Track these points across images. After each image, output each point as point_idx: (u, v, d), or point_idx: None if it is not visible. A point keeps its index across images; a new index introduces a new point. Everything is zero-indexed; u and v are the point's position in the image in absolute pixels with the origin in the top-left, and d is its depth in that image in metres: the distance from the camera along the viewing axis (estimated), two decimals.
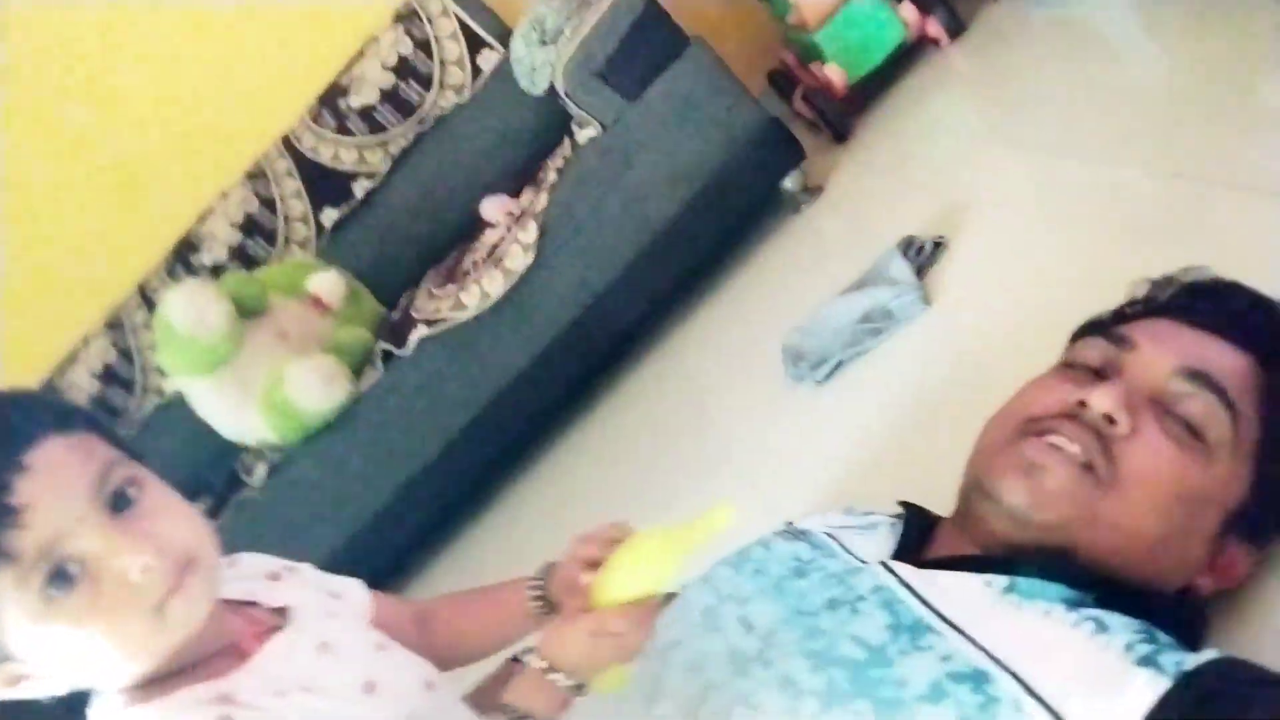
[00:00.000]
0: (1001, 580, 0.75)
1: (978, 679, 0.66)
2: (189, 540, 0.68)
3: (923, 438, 1.34)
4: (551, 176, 2.32)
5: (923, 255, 1.71)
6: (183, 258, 2.75)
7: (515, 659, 0.92)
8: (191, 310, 2.25)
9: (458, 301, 2.24)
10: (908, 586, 0.78)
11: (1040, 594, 0.73)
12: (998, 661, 0.67)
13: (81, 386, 2.78)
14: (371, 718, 0.73)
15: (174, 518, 0.69)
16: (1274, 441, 0.81)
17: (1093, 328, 0.94)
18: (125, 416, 2.76)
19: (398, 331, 2.36)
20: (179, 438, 2.55)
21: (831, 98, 2.33)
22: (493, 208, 2.45)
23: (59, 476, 0.63)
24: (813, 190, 2.28)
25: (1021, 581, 0.75)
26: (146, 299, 2.77)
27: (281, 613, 0.77)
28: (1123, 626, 0.69)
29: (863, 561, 0.86)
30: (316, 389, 2.27)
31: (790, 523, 1.01)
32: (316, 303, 2.50)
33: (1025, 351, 1.00)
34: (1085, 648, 0.67)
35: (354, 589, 0.87)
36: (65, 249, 2.80)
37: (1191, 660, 0.65)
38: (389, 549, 2.38)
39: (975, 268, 1.61)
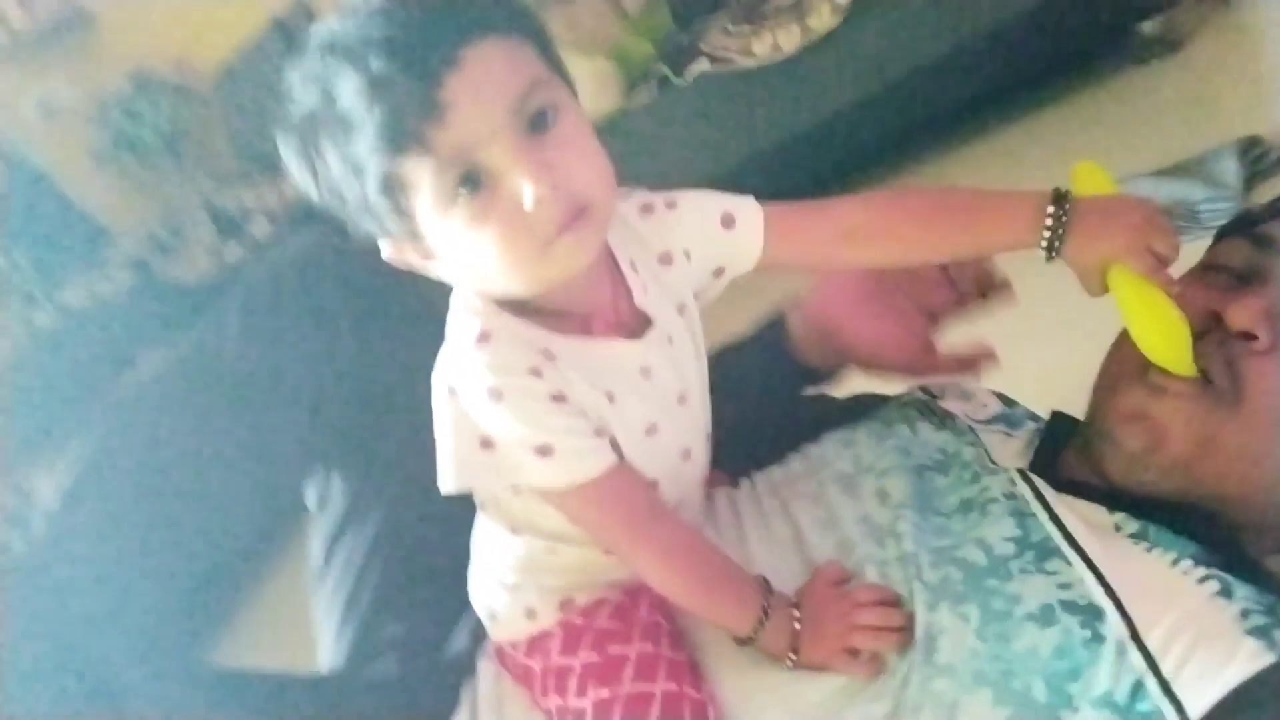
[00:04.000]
0: (1133, 524, 0.74)
1: (1090, 614, 0.67)
2: (591, 183, 0.65)
3: None
4: None
5: (1263, 163, 1.51)
6: None
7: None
8: None
9: (747, 46, 2.16)
10: (1042, 501, 0.76)
11: (1171, 545, 0.72)
12: (1115, 600, 0.67)
13: None
14: (638, 457, 0.75)
15: (583, 155, 0.66)
16: None
17: (1238, 225, 0.83)
18: None
19: (681, 57, 2.31)
20: None
21: None
22: None
23: (487, 81, 0.62)
24: (1171, 43, 2.00)
25: (1153, 530, 0.73)
26: None
27: (640, 316, 0.75)
28: (1246, 593, 0.67)
29: (998, 465, 0.83)
30: (590, 93, 2.29)
31: (931, 394, 0.96)
32: (614, 2, 2.46)
33: None
34: (1203, 606, 0.67)
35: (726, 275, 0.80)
36: None
37: None
38: None
39: None
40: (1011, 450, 0.88)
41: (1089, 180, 0.75)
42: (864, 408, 0.99)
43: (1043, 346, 1.44)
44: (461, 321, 0.71)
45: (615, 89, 2.32)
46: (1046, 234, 0.70)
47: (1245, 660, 0.62)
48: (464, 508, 0.82)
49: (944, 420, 0.91)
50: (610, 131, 2.30)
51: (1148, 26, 1.98)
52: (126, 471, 1.13)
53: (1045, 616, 0.68)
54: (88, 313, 2.41)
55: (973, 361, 0.98)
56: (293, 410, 1.10)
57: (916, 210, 0.78)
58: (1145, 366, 0.76)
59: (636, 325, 0.75)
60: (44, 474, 1.90)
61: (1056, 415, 0.91)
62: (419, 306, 0.77)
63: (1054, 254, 0.71)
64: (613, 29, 2.44)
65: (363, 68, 0.60)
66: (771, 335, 0.99)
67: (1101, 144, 1.86)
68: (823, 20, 2.08)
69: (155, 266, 2.63)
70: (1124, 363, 0.80)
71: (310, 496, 1.16)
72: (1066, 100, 2.07)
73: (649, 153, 2.29)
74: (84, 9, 2.82)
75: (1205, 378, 0.73)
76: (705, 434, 0.82)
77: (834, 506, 0.84)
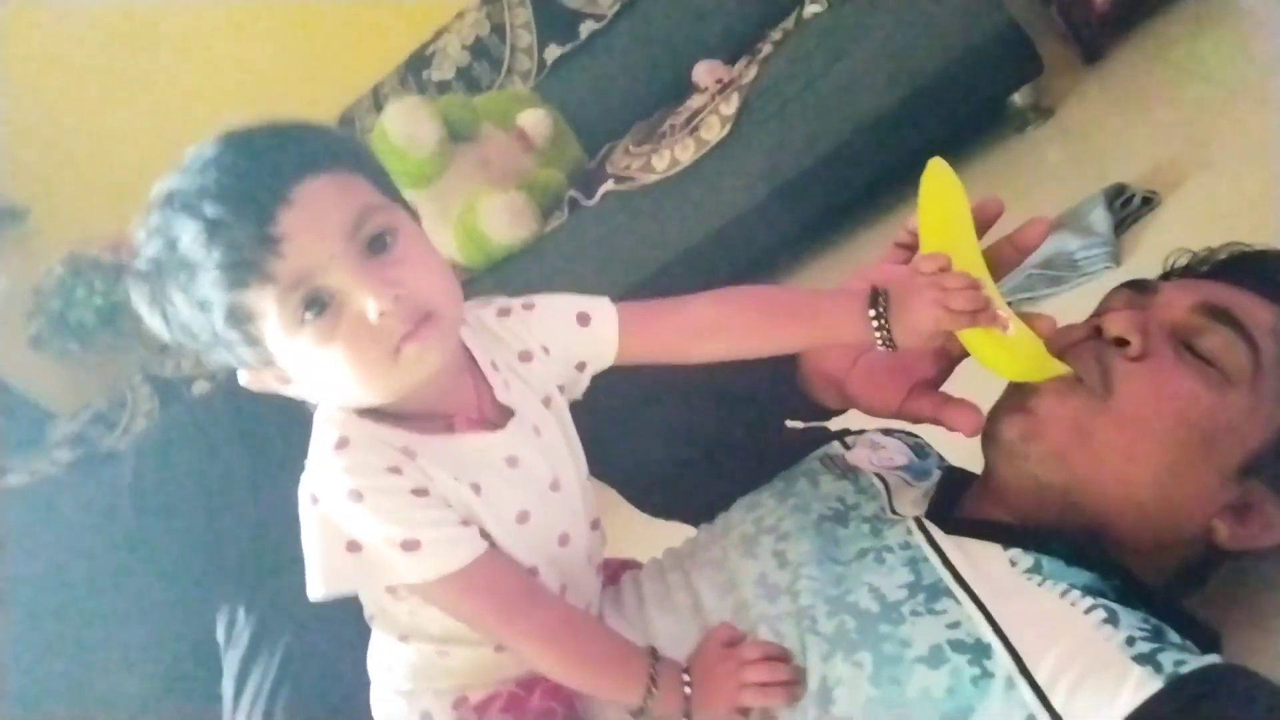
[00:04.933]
0: (1027, 560, 0.75)
1: (978, 651, 0.68)
2: (432, 293, 0.69)
3: None
4: (767, 49, 2.25)
5: (1129, 208, 1.57)
6: (415, 70, 2.87)
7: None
8: (406, 126, 2.37)
9: (648, 163, 2.25)
10: (936, 547, 0.78)
11: (1062, 577, 0.73)
12: (1002, 636, 0.68)
13: None
14: (512, 545, 0.76)
15: (424, 268, 0.70)
16: None
17: (1125, 283, 0.89)
18: None
19: (589, 181, 2.41)
20: None
21: (1090, 11, 2.10)
22: (704, 72, 2.41)
23: (319, 213, 0.66)
24: (1043, 111, 2.10)
25: (1046, 563, 0.74)
26: (378, 103, 2.92)
27: (503, 411, 0.78)
28: (1132, 622, 0.68)
29: (898, 514, 0.85)
30: (506, 222, 2.37)
31: (845, 439, 0.99)
32: (522, 138, 2.57)
33: None
34: (1089, 636, 0.67)
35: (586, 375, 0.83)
36: (310, 48, 2.97)
37: (1191, 663, 0.63)
38: None
39: (1180, 235, 1.46)
40: (911, 499, 0.90)
41: (937, 180, 0.81)
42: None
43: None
44: (321, 432, 0.74)
45: (531, 216, 2.40)
46: (877, 334, 0.74)
47: (1134, 688, 0.62)
48: (366, 630, 0.83)
49: (845, 472, 0.93)
50: (531, 254, 2.37)
51: (1019, 97, 2.08)
52: (42, 636, 1.13)
53: (935, 657, 0.68)
54: (26, 492, 2.40)
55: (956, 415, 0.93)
56: (192, 551, 1.11)
57: (759, 307, 0.81)
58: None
59: (500, 419, 0.77)
60: None
61: (950, 469, 0.95)
62: (306, 435, 0.80)
63: (891, 346, 0.74)
64: (522, 163, 2.53)
65: (199, 214, 0.64)
66: (786, 365, 0.97)
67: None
68: (713, 131, 2.18)
69: (96, 440, 2.63)
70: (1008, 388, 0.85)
71: (220, 632, 1.16)
72: (960, 174, 2.14)
73: (568, 271, 2.36)
74: (15, 204, 2.91)
75: (1077, 377, 0.78)
76: (586, 519, 0.84)
77: (733, 570, 0.85)
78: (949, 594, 0.73)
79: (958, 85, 2.05)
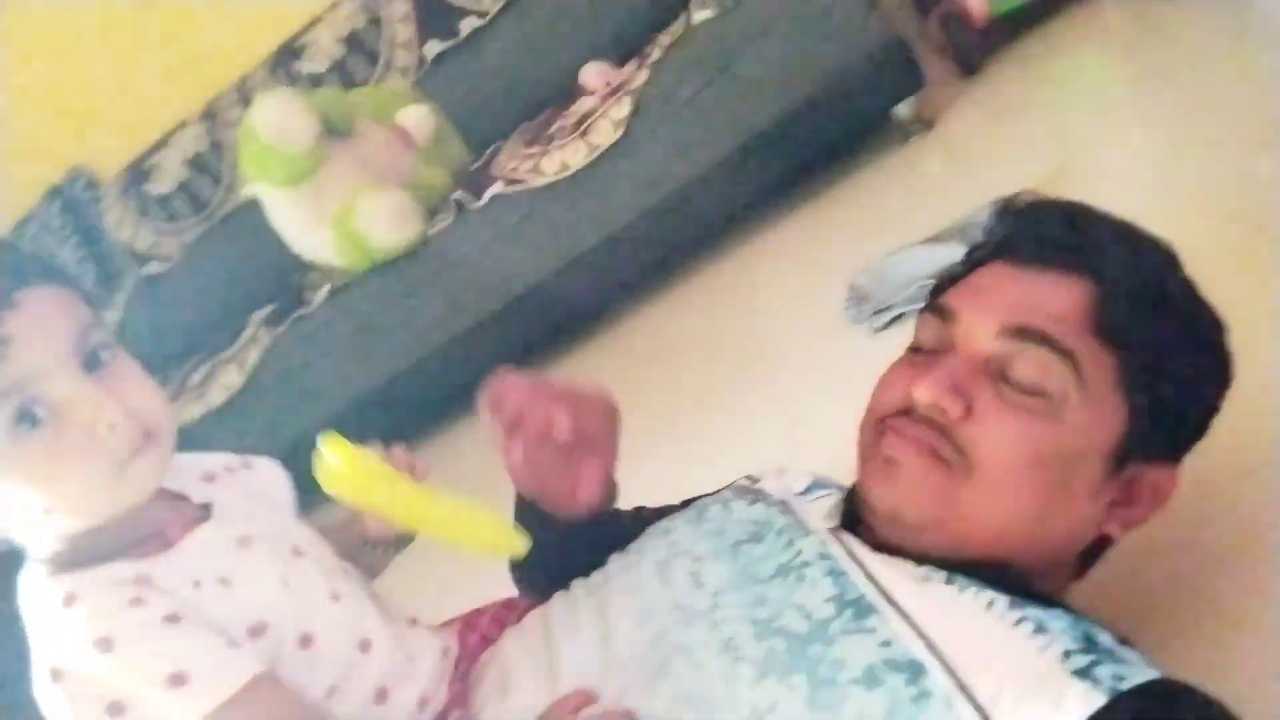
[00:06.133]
0: (940, 574, 0.74)
1: (914, 670, 0.66)
2: (154, 411, 0.70)
3: None
4: (657, 53, 2.23)
5: None
6: (285, 62, 2.73)
7: None
8: (278, 119, 2.25)
9: (537, 166, 2.20)
10: (853, 557, 0.77)
11: (981, 588, 0.72)
12: (936, 653, 0.67)
13: (170, 170, 2.82)
14: (287, 613, 0.74)
15: (142, 387, 0.71)
16: (1138, 361, 0.77)
17: (929, 300, 0.89)
18: (208, 208, 2.81)
19: (476, 182, 2.34)
20: (252, 242, 2.59)
21: (969, 27, 2.17)
22: (593, 74, 2.37)
23: (44, 319, 0.65)
24: (924, 122, 2.15)
25: (960, 577, 0.74)
26: (245, 96, 2.77)
27: (206, 509, 0.78)
28: (1062, 631, 0.67)
29: (810, 530, 0.84)
30: (387, 224, 2.27)
31: (751, 478, 0.99)
32: (403, 135, 2.48)
33: None
34: (1023, 650, 0.66)
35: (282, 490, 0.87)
36: (173, 36, 2.80)
37: (1131, 678, 0.63)
38: (425, 397, 2.41)
39: None
40: (821, 512, 0.88)
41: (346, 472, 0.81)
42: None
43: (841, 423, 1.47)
44: (38, 596, 0.70)
45: (415, 217, 2.32)
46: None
47: (1076, 703, 0.61)
48: None
49: (757, 496, 0.91)
50: (412, 259, 2.29)
51: (902, 109, 2.13)
52: None
53: (870, 678, 0.66)
54: None
55: None
56: None
57: None
58: (875, 439, 0.81)
59: (206, 513, 0.77)
60: None
61: (854, 486, 0.93)
62: None
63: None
64: (403, 162, 2.44)
65: None
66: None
67: (875, 221, 1.97)
68: (605, 136, 2.15)
69: None
70: (864, 437, 0.84)
71: None
72: (839, 187, 2.19)
73: (452, 276, 2.29)
74: None
75: (930, 448, 0.76)
76: (346, 575, 0.83)
77: (649, 598, 0.82)
78: (875, 610, 0.71)
79: (845, 97, 2.08)
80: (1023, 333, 0.76)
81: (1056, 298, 0.78)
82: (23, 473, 0.65)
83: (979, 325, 0.78)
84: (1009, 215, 0.88)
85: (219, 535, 0.75)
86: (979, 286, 0.83)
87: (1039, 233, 0.83)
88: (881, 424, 0.81)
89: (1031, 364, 0.75)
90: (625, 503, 1.04)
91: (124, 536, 0.71)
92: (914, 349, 0.85)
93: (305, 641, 0.75)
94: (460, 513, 0.86)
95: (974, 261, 0.87)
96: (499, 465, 0.94)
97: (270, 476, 0.87)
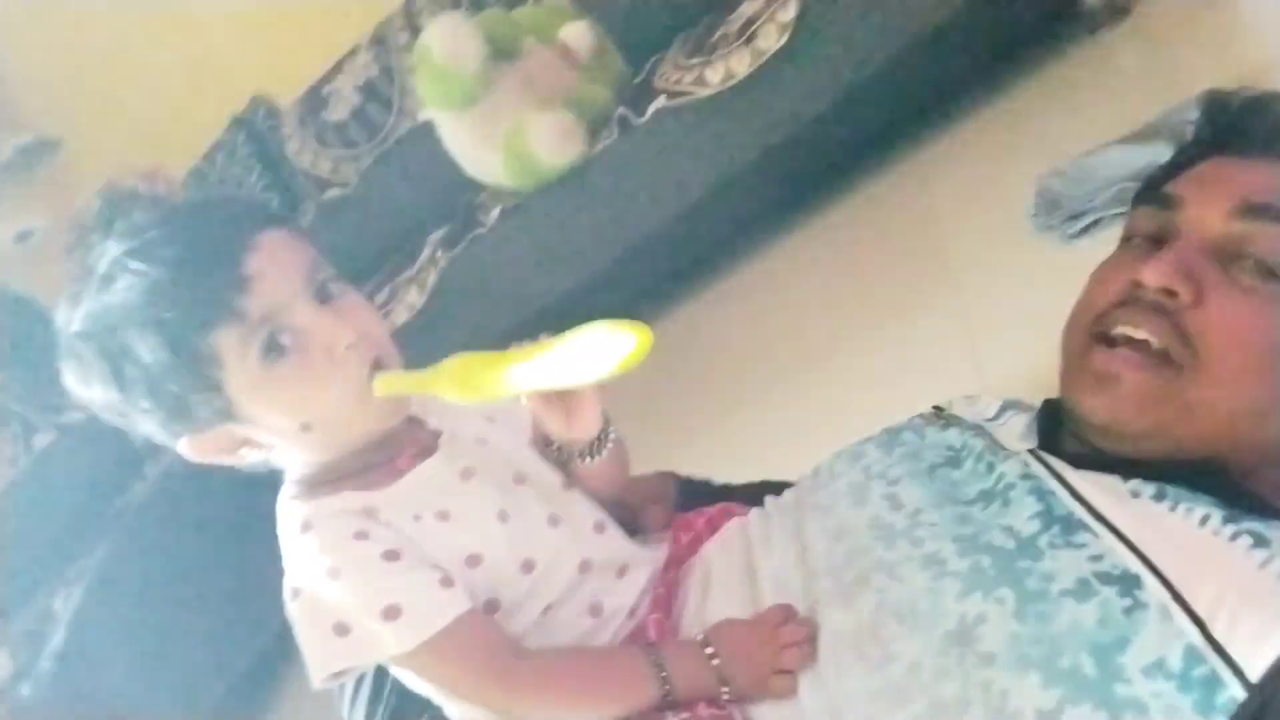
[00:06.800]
0: (1150, 488, 0.72)
1: (1127, 582, 0.66)
2: (383, 339, 0.76)
3: None
4: None
5: None
6: None
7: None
8: (450, 43, 2.29)
9: (701, 76, 2.17)
10: (1059, 478, 0.76)
11: (1194, 502, 0.70)
12: (1150, 565, 0.66)
13: (345, 97, 2.92)
14: (503, 545, 0.79)
15: (370, 315, 0.77)
16: None
17: (1145, 190, 0.85)
18: (381, 133, 2.91)
19: (639, 97, 2.33)
20: (428, 164, 2.67)
21: None
22: None
23: (280, 258, 0.72)
24: (1118, 9, 2.00)
25: (1170, 490, 0.72)
26: (411, 21, 2.82)
27: (438, 436, 0.82)
28: None
29: (1008, 449, 0.83)
30: (553, 143, 2.30)
31: (939, 408, 0.97)
32: (566, 52, 2.48)
33: None
34: (1242, 564, 0.65)
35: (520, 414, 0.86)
36: None
37: None
38: (598, 313, 2.44)
39: None
40: (1017, 433, 0.87)
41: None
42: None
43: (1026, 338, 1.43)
44: (284, 521, 0.77)
45: (579, 136, 2.34)
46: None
47: None
48: None
49: (950, 421, 0.90)
50: (579, 177, 2.32)
51: None
52: (134, 582, 1.16)
53: (1082, 590, 0.66)
54: (87, 430, 2.41)
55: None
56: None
57: None
58: (1087, 345, 0.78)
59: (434, 442, 0.81)
60: (60, 591, 1.89)
61: (1048, 402, 0.91)
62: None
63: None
64: (567, 80, 2.45)
65: (164, 260, 0.68)
66: None
67: (1069, 118, 1.87)
68: (771, 40, 2.09)
69: None
70: (1072, 346, 0.81)
71: None
72: (1025, 83, 2.08)
73: (619, 193, 2.30)
74: (48, 136, 2.85)
75: (1150, 349, 0.74)
76: (568, 499, 0.85)
77: (844, 516, 0.83)
78: (1084, 527, 0.70)
79: None
80: (1261, 211, 0.74)
81: None
82: (278, 395, 0.72)
83: (1210, 208, 0.76)
84: (1226, 108, 0.84)
85: (443, 468, 0.79)
86: (1204, 176, 0.80)
87: (1263, 122, 0.80)
88: (1097, 324, 0.79)
89: (1270, 242, 0.73)
90: (796, 419, 1.05)
91: (364, 462, 0.77)
92: (1127, 238, 0.83)
93: (527, 567, 0.80)
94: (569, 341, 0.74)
95: (1189, 156, 0.84)
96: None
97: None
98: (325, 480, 0.77)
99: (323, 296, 0.74)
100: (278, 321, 0.70)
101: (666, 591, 0.89)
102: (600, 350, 0.71)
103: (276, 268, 0.71)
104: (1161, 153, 1.49)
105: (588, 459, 0.85)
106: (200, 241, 0.70)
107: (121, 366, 0.70)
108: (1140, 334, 0.75)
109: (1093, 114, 1.79)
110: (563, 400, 0.79)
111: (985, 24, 2.02)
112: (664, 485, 1.07)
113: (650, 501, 0.99)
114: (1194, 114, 1.52)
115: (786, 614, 0.78)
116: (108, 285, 0.69)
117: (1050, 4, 2.03)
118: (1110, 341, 0.77)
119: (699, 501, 1.01)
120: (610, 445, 0.85)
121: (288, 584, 0.76)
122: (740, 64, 2.13)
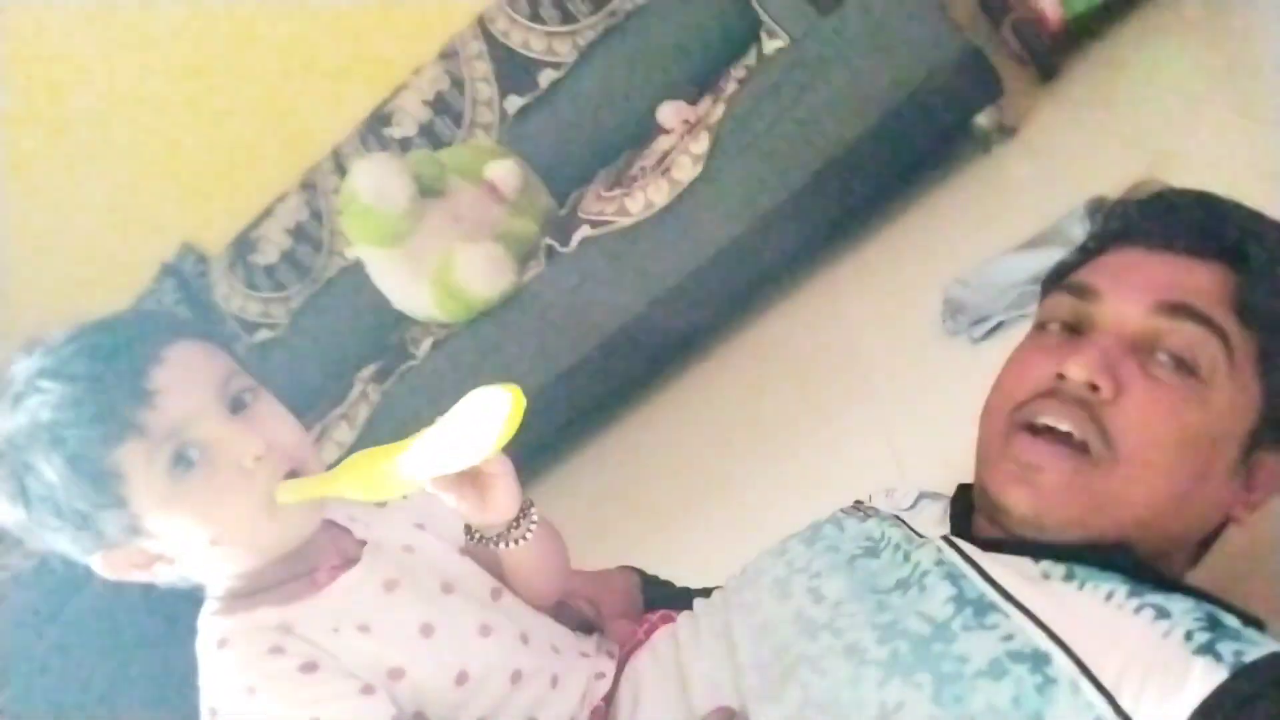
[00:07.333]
0: (1059, 569, 0.74)
1: (1037, 660, 0.67)
2: (298, 445, 0.76)
3: None
4: (731, 86, 2.28)
5: None
6: (375, 129, 2.86)
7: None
8: (376, 183, 2.36)
9: (622, 206, 2.26)
10: (970, 561, 0.77)
11: (1100, 580, 0.72)
12: (1058, 642, 0.67)
13: (274, 240, 2.97)
14: (427, 659, 0.77)
15: (285, 424, 0.76)
16: (1276, 344, 0.77)
17: (1055, 278, 0.89)
18: (311, 274, 2.95)
19: (563, 228, 2.40)
20: (358, 302, 2.71)
21: (1043, 31, 2.16)
22: (669, 113, 2.43)
23: (189, 371, 0.72)
24: (1006, 130, 2.15)
25: (1079, 570, 0.74)
26: (339, 165, 2.90)
27: (363, 545, 0.81)
28: (1184, 613, 0.67)
29: (923, 536, 0.85)
30: (483, 274, 2.36)
31: (859, 502, 1.00)
32: (492, 189, 2.56)
33: None
34: (1146, 634, 0.66)
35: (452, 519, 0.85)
36: (268, 114, 2.95)
37: (1253, 651, 0.63)
38: (526, 439, 2.45)
39: None
40: (933, 520, 0.89)
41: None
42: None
43: (942, 433, 1.47)
44: (204, 635, 0.76)
45: (509, 267, 2.40)
46: None
47: (1200, 680, 0.62)
48: None
49: (869, 513, 0.93)
50: (512, 305, 2.36)
51: (983, 119, 2.13)
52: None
53: (995, 670, 0.67)
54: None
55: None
56: None
57: None
58: (1009, 434, 0.80)
59: (359, 552, 0.80)
60: None
61: (961, 487, 0.94)
62: None
63: None
64: (495, 215, 2.53)
65: (70, 377, 0.68)
66: None
67: (968, 230, 1.97)
68: (685, 171, 2.20)
69: None
70: (992, 434, 0.83)
71: None
72: (925, 201, 2.19)
73: (549, 320, 2.35)
74: None
75: (1072, 441, 0.76)
76: (498, 608, 0.84)
77: (769, 612, 0.84)
78: (996, 608, 0.72)
79: (922, 111, 2.09)
80: (1177, 309, 0.76)
81: (1200, 279, 0.78)
82: (185, 509, 0.71)
83: (1129, 303, 0.78)
84: (1134, 203, 0.88)
85: (365, 580, 0.78)
86: (1118, 267, 0.82)
87: (1173, 219, 0.83)
88: (1018, 413, 0.80)
89: (1185, 339, 0.75)
90: (724, 527, 1.06)
91: (284, 574, 0.76)
92: (1040, 326, 0.86)
93: (461, 679, 0.78)
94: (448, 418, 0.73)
95: (1095, 249, 0.88)
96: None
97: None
98: (244, 594, 0.76)
99: (236, 406, 0.73)
100: (185, 435, 0.70)
101: (604, 704, 0.88)
102: (482, 420, 0.70)
103: (185, 380, 0.71)
104: (1054, 256, 1.59)
105: (511, 544, 0.82)
106: (106, 356, 0.69)
107: (27, 485, 0.69)
108: (1064, 426, 0.76)
109: (990, 225, 1.89)
110: (473, 482, 0.76)
111: (887, 149, 2.14)
112: (625, 582, 1.06)
113: (618, 614, 0.98)
114: (1082, 220, 1.63)
115: (727, 717, 0.77)
116: (18, 404, 0.68)
117: (945, 128, 2.16)
118: (1034, 430, 0.79)
119: (662, 603, 1.01)
120: (534, 528, 0.83)
121: (204, 704, 0.74)
122: (659, 194, 2.22)
